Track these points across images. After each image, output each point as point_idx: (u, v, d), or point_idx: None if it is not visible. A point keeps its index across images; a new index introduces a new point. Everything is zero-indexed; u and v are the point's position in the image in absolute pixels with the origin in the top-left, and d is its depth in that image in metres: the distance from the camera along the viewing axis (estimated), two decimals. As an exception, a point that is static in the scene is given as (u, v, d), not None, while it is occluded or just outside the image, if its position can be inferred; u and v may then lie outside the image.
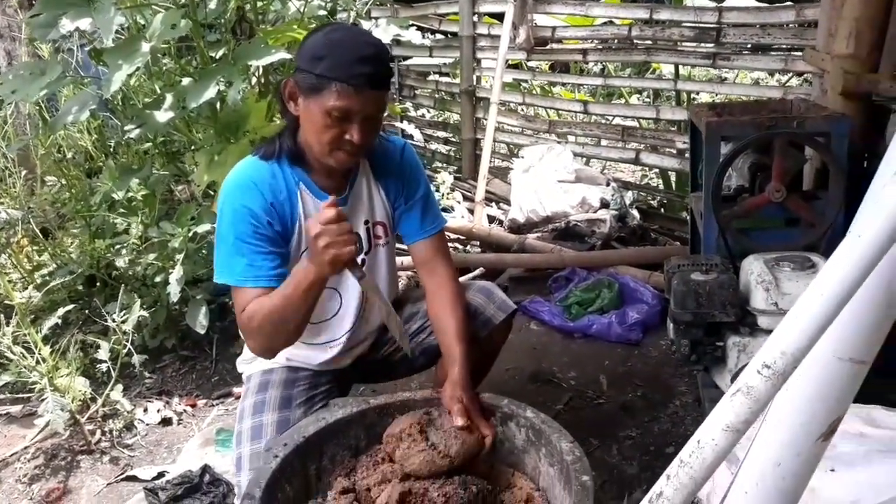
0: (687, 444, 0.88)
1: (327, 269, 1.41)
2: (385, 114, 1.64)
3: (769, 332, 2.02)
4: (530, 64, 4.79)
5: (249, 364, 1.82)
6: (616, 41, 4.14)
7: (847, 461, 1.44)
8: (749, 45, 3.60)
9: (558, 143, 4.36)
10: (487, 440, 1.49)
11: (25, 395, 2.40)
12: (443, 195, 4.42)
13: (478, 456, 1.48)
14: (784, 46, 3.55)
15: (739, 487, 0.96)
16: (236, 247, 1.57)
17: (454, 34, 4.80)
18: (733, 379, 2.01)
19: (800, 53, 3.28)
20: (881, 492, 1.37)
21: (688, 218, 3.30)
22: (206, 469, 2.01)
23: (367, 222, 1.75)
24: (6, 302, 2.33)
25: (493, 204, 4.46)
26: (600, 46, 4.29)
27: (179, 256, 2.58)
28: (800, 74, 4.16)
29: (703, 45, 3.71)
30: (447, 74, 5.50)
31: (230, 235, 1.57)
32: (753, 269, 2.05)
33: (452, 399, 1.50)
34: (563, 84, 5.40)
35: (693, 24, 3.67)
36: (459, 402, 1.49)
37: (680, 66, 4.30)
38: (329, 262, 1.39)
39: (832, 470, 1.43)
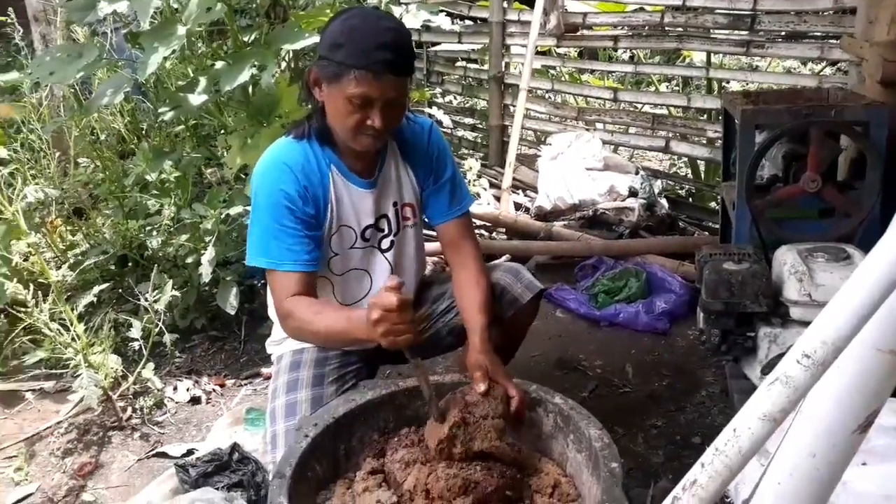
0: (722, 433, 0.88)
1: (380, 342, 1.38)
2: (408, 97, 1.64)
3: (802, 322, 2.01)
4: (559, 51, 4.75)
5: (279, 345, 1.85)
6: (647, 28, 4.09)
7: (880, 455, 1.43)
8: (783, 33, 3.54)
9: (587, 130, 4.33)
10: (514, 401, 1.49)
11: (59, 372, 2.45)
12: (469, 182, 4.41)
13: (519, 414, 1.51)
14: (819, 34, 3.49)
15: (772, 478, 0.96)
16: (272, 230, 1.58)
17: (483, 20, 4.77)
18: (764, 370, 2.00)
19: (836, 41, 3.22)
20: (914, 487, 1.35)
21: (717, 207, 3.26)
22: (235, 447, 2.03)
23: (395, 204, 1.77)
24: (41, 280, 2.37)
25: (520, 191, 4.44)
26: (631, 33, 4.23)
27: (211, 238, 2.62)
28: (833, 63, 4.08)
29: (736, 32, 3.65)
30: (475, 61, 5.48)
31: (266, 218, 1.59)
32: (787, 259, 2.03)
33: (473, 366, 1.52)
34: (592, 71, 5.35)
35: (727, 11, 3.61)
36: (480, 368, 1.51)
37: (711, 54, 4.23)
38: (385, 344, 1.36)
39: (864, 464, 1.42)
